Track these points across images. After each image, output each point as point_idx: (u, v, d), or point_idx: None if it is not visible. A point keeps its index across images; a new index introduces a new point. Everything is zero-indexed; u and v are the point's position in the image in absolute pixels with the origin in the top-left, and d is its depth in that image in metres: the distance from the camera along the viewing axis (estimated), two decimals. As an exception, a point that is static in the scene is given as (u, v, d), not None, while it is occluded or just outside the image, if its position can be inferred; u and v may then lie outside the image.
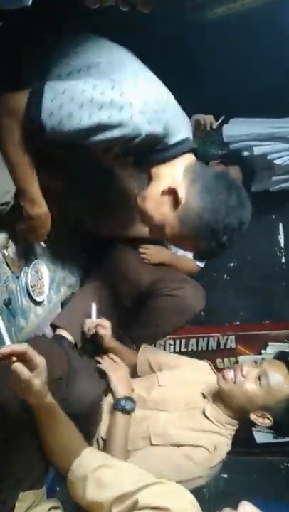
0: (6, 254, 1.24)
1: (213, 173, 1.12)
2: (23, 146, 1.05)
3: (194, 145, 1.15)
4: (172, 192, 1.09)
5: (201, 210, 1.06)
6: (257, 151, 2.15)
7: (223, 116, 1.70)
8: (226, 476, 2.29)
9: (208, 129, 1.61)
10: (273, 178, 2.22)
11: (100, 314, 1.57)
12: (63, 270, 1.63)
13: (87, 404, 0.95)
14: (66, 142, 1.04)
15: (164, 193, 1.11)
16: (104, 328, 1.52)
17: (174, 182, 1.09)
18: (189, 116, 1.71)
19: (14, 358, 0.81)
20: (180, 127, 1.11)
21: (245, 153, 2.19)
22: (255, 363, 1.31)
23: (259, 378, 1.25)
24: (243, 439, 2.22)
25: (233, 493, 2.25)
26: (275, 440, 2.27)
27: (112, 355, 1.49)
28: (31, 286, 1.37)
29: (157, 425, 1.30)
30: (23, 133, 1.04)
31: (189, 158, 1.13)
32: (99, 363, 1.46)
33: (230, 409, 1.30)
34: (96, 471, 0.89)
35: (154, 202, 1.13)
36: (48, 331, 1.51)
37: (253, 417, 1.27)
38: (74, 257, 1.75)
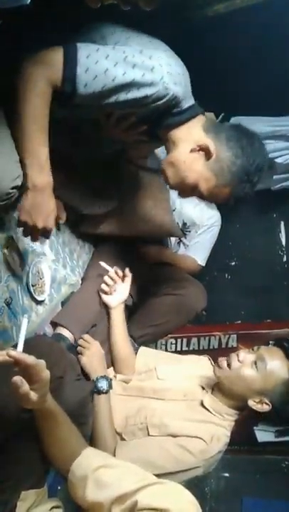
0: (7, 254, 1.24)
1: (229, 125, 1.22)
2: (44, 105, 1.03)
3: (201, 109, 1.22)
4: (203, 148, 1.16)
5: (233, 158, 1.15)
6: (258, 149, 2.15)
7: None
8: (227, 474, 2.29)
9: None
10: (274, 177, 2.21)
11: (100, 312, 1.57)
12: (64, 269, 1.63)
13: (68, 408, 0.94)
14: (92, 105, 1.08)
15: (192, 151, 1.17)
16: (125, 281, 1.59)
17: (200, 139, 1.17)
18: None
19: (16, 369, 0.80)
20: (190, 93, 1.19)
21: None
22: (252, 349, 1.31)
23: (255, 363, 1.25)
24: (244, 438, 2.23)
25: (235, 492, 2.25)
26: (277, 439, 2.28)
27: (85, 336, 1.49)
28: (32, 286, 1.37)
29: (154, 415, 1.31)
30: (48, 91, 1.03)
31: (202, 119, 1.21)
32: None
33: (228, 397, 1.30)
34: (96, 471, 0.89)
35: (185, 162, 1.18)
36: (49, 330, 1.50)
37: (251, 403, 1.26)
38: (75, 255, 1.75)
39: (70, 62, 1.01)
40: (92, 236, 1.85)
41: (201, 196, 1.23)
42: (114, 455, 1.24)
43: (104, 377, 1.39)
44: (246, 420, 1.37)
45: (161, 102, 1.09)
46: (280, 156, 2.14)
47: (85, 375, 1.42)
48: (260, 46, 1.84)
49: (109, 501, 0.83)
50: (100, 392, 1.34)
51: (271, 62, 1.91)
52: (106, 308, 1.60)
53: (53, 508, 0.93)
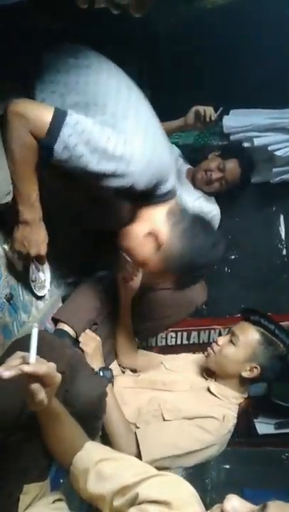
0: (7, 249, 1.24)
1: (192, 216, 1.24)
2: (31, 154, 1.07)
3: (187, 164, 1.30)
4: (154, 235, 1.19)
5: (182, 251, 1.18)
6: (257, 142, 2.15)
7: (221, 108, 1.69)
8: (228, 466, 2.31)
9: (207, 120, 1.60)
10: (274, 170, 2.21)
11: (101, 309, 1.58)
12: (65, 264, 1.63)
13: (87, 402, 0.95)
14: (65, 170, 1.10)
15: (146, 235, 1.21)
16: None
17: (156, 225, 1.20)
18: (189, 107, 1.71)
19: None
20: (171, 176, 1.23)
21: (246, 145, 2.19)
22: (228, 332, 1.50)
23: (231, 341, 1.43)
24: (245, 430, 2.25)
25: (235, 484, 2.27)
26: (277, 431, 2.30)
27: (87, 331, 1.53)
28: (33, 281, 1.37)
29: (167, 402, 1.40)
30: (31, 140, 1.05)
31: (172, 202, 1.25)
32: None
33: (227, 379, 1.44)
34: (97, 464, 0.89)
35: (137, 242, 1.23)
36: (50, 326, 1.51)
37: (245, 374, 1.41)
38: (75, 251, 1.74)
39: (51, 137, 1.04)
40: (93, 231, 1.84)
41: (149, 274, 1.31)
42: (134, 440, 1.32)
43: (105, 368, 1.46)
44: (247, 412, 1.43)
45: (133, 189, 1.13)
46: (280, 148, 2.14)
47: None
48: (260, 39, 1.83)
49: (110, 493, 0.84)
50: (108, 381, 1.39)
51: (271, 54, 1.90)
52: (108, 305, 1.60)
53: (55, 501, 0.93)
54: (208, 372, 1.50)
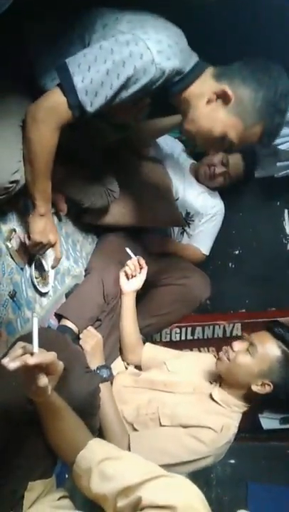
0: (10, 246, 1.24)
1: (239, 64, 1.15)
2: (51, 148, 1.11)
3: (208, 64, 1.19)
4: (219, 94, 1.13)
5: (253, 94, 1.11)
6: (261, 136, 2.12)
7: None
8: (233, 461, 2.31)
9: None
10: (278, 164, 2.18)
11: (104, 305, 1.58)
12: (68, 261, 1.63)
13: (78, 400, 0.95)
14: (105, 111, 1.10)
15: (209, 101, 1.14)
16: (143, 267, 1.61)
17: (211, 89, 1.14)
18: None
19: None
20: (190, 53, 1.16)
21: (249, 139, 2.16)
22: (245, 338, 1.38)
23: (248, 350, 1.32)
24: (250, 425, 2.24)
25: (240, 478, 2.28)
26: (282, 426, 2.29)
27: (89, 328, 1.52)
28: (36, 278, 1.37)
29: (166, 406, 1.35)
30: (55, 139, 1.09)
31: (210, 71, 1.17)
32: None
33: (234, 387, 1.35)
34: (100, 463, 0.88)
35: (206, 115, 1.16)
36: (54, 322, 1.51)
37: (255, 388, 1.31)
38: (78, 246, 1.74)
39: (71, 93, 1.05)
40: (96, 227, 1.84)
41: (231, 146, 1.19)
42: (127, 442, 1.29)
43: (104, 366, 1.43)
44: (252, 407, 1.40)
45: (161, 80, 1.09)
46: (284, 142, 2.11)
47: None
48: (262, 31, 1.81)
49: (113, 494, 0.82)
50: (103, 380, 1.36)
51: (276, 47, 1.88)
52: (112, 300, 1.60)
53: (60, 498, 0.93)
54: (214, 376, 1.44)
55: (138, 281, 1.61)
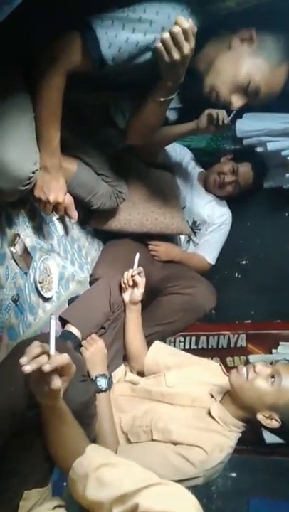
0: (14, 251, 1.24)
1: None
2: (58, 98, 1.10)
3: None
4: (244, 38, 1.13)
5: (275, 33, 1.11)
6: (270, 146, 2.11)
7: (234, 111, 1.67)
8: (234, 474, 2.27)
9: (220, 123, 1.58)
10: (287, 175, 2.17)
11: (109, 313, 1.57)
12: (73, 266, 1.63)
13: (72, 408, 0.94)
14: (122, 71, 1.11)
15: (231, 47, 1.14)
16: (141, 277, 1.58)
17: (233, 36, 1.13)
18: (201, 111, 1.69)
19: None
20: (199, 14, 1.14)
21: (259, 149, 2.16)
22: (271, 363, 1.30)
23: (272, 377, 1.23)
24: (252, 439, 2.21)
25: (241, 492, 2.24)
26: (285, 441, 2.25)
27: (92, 335, 1.50)
28: (40, 283, 1.36)
29: (160, 419, 1.29)
30: (62, 83, 1.09)
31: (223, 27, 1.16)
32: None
33: (238, 407, 1.28)
34: (97, 470, 0.87)
35: (231, 61, 1.15)
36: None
37: (260, 416, 1.24)
38: (83, 252, 1.74)
39: (93, 45, 1.04)
40: (101, 232, 1.84)
41: (257, 92, 1.17)
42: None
43: (104, 375, 1.39)
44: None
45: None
46: (294, 154, 2.10)
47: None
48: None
49: (109, 501, 0.81)
50: (98, 390, 1.34)
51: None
52: (117, 308, 1.59)
53: (55, 507, 0.92)
54: (216, 388, 1.36)
55: (136, 293, 1.58)
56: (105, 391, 1.36)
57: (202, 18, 1.12)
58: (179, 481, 1.14)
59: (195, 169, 2.20)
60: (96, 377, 1.38)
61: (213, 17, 1.14)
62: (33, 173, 1.10)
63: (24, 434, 0.92)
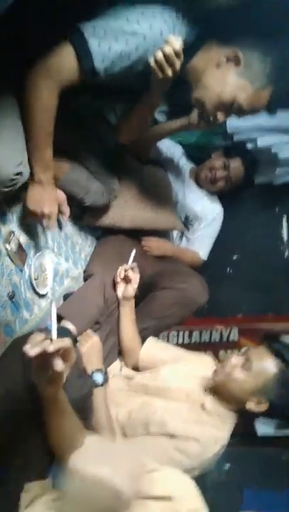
0: (9, 248, 1.24)
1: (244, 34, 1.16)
2: (50, 115, 1.12)
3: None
4: (230, 57, 1.15)
5: (262, 57, 1.14)
6: (261, 143, 2.14)
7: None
8: (227, 466, 2.31)
9: (211, 119, 1.60)
10: (277, 171, 2.20)
11: (104, 308, 1.58)
12: (67, 262, 1.63)
13: (73, 403, 0.95)
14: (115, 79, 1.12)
15: (219, 65, 1.17)
16: (135, 273, 1.60)
17: (221, 52, 1.16)
18: (192, 107, 1.70)
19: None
20: (192, 25, 1.16)
21: (249, 145, 2.18)
22: (243, 352, 1.33)
23: (245, 365, 1.27)
24: (244, 431, 2.24)
25: (236, 483, 2.27)
26: (276, 433, 2.29)
27: (87, 331, 1.50)
28: (35, 279, 1.37)
29: (156, 413, 1.31)
30: (54, 100, 1.10)
31: (214, 41, 1.18)
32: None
33: (227, 401, 1.31)
34: (96, 460, 0.90)
35: (217, 78, 1.18)
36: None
37: (249, 405, 1.26)
38: (77, 248, 1.75)
39: (85, 57, 1.06)
40: (95, 228, 1.85)
41: (240, 110, 1.21)
42: None
43: (100, 370, 1.41)
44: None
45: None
46: (283, 150, 2.13)
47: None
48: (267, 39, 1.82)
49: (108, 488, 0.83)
50: (95, 385, 1.35)
51: (275, 42, 1.88)
52: (111, 304, 1.60)
53: (56, 498, 0.93)
54: (209, 383, 1.38)
55: (130, 289, 1.60)
56: (101, 386, 1.37)
57: (191, 28, 1.15)
58: None
59: (186, 165, 2.22)
60: (92, 372, 1.39)
61: (203, 27, 1.17)
62: (17, 174, 1.09)
63: (23, 428, 0.93)
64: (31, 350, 0.76)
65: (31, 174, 1.19)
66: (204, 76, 1.19)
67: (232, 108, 1.21)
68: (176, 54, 1.08)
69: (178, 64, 1.11)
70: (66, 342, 0.82)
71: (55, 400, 0.90)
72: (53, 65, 1.07)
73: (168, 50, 1.06)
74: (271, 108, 1.23)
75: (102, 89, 1.29)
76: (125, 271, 1.60)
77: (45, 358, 0.79)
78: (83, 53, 1.05)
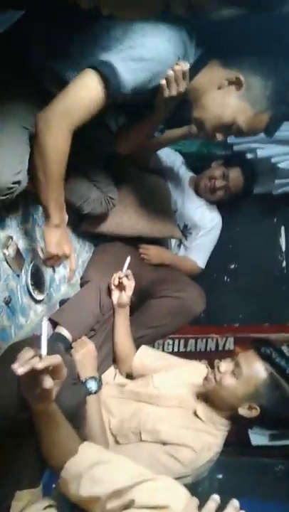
0: (7, 253, 1.24)
1: (246, 55, 1.18)
2: (66, 152, 1.11)
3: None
4: (232, 81, 1.16)
5: (263, 81, 1.15)
6: (260, 153, 2.15)
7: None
8: (220, 476, 2.29)
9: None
10: (276, 181, 2.21)
11: (100, 315, 1.58)
12: (64, 269, 1.64)
13: (67, 410, 0.95)
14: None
15: (220, 87, 1.18)
16: (130, 281, 1.59)
17: (223, 74, 1.17)
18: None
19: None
20: (194, 45, 1.18)
21: (249, 156, 2.19)
22: (232, 358, 1.32)
23: (234, 372, 1.26)
24: (239, 440, 2.24)
25: (228, 494, 2.25)
26: (271, 443, 2.28)
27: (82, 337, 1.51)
28: (31, 285, 1.37)
29: (148, 421, 1.31)
30: (70, 137, 1.09)
31: (217, 61, 1.20)
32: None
33: (219, 408, 1.30)
34: (91, 468, 0.89)
35: (217, 100, 1.19)
36: (48, 329, 1.51)
37: (241, 411, 1.25)
38: (75, 255, 1.75)
39: (112, 81, 1.05)
40: (93, 235, 1.85)
41: (239, 132, 1.22)
42: None
43: (93, 378, 1.40)
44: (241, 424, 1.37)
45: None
46: (283, 161, 2.14)
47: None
48: (266, 48, 1.83)
49: (104, 496, 0.84)
50: (88, 393, 1.35)
51: (276, 65, 1.90)
52: (107, 311, 1.60)
53: (46, 507, 0.93)
54: (202, 390, 1.37)
55: (124, 297, 1.59)
56: (95, 393, 1.37)
57: (196, 48, 1.17)
58: None
59: (186, 174, 2.23)
60: (86, 379, 1.39)
61: (206, 47, 1.19)
62: (15, 183, 1.09)
63: (16, 436, 0.92)
64: (19, 368, 0.75)
65: (46, 217, 1.19)
66: (205, 97, 1.20)
67: (231, 129, 1.22)
68: (184, 75, 1.11)
69: (184, 85, 1.14)
70: (56, 359, 0.81)
71: (46, 414, 0.89)
72: (61, 109, 1.06)
73: (178, 70, 1.10)
74: (270, 131, 1.25)
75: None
76: (119, 278, 1.59)
77: (34, 374, 0.78)
78: (112, 82, 1.05)
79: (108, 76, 1.04)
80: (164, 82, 1.12)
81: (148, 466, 1.14)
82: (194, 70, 1.17)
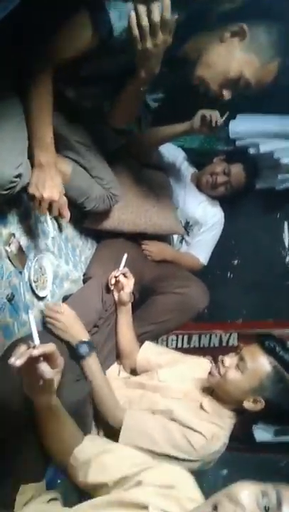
0: (9, 250, 1.24)
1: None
2: (49, 90, 1.10)
3: None
4: (235, 31, 1.10)
5: (267, 28, 1.08)
6: (263, 148, 2.14)
7: (227, 112, 1.70)
8: (225, 472, 2.30)
9: (213, 125, 1.60)
10: (279, 177, 2.20)
11: (102, 311, 1.58)
12: (67, 265, 1.64)
13: (67, 407, 0.96)
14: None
15: (223, 40, 1.11)
16: (128, 278, 1.57)
17: (224, 28, 1.10)
18: (195, 112, 1.71)
19: (41, 358, 0.82)
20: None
21: (252, 151, 2.18)
22: (236, 352, 1.33)
23: (238, 366, 1.27)
24: (244, 436, 2.24)
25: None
26: (275, 439, 2.28)
27: (50, 305, 1.44)
28: (34, 282, 1.37)
29: (159, 403, 1.34)
30: (51, 71, 1.07)
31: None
32: None
33: (224, 401, 1.32)
34: (99, 455, 0.92)
35: (221, 55, 1.13)
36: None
37: (246, 404, 1.27)
38: (77, 251, 1.75)
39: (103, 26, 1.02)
40: (95, 231, 1.85)
41: (247, 86, 1.16)
42: (121, 415, 1.28)
43: (84, 342, 1.35)
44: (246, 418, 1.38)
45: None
46: (286, 156, 2.13)
47: (67, 343, 1.37)
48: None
49: (110, 482, 0.87)
50: (83, 357, 1.33)
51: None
52: (110, 307, 1.60)
53: (50, 500, 0.94)
54: (206, 387, 1.40)
55: (123, 294, 1.58)
56: (89, 355, 1.34)
57: (190, 8, 1.10)
58: (177, 460, 1.22)
59: (188, 169, 2.22)
60: (76, 345, 1.34)
61: (204, 8, 1.12)
62: (16, 177, 1.08)
63: (20, 431, 0.93)
64: (17, 360, 0.77)
65: (31, 158, 1.15)
66: (207, 53, 1.14)
67: (238, 84, 1.16)
68: (163, 25, 1.01)
69: (161, 37, 1.03)
70: (50, 347, 0.83)
71: (49, 408, 0.90)
72: (66, 37, 1.03)
73: (154, 17, 0.99)
74: (280, 81, 1.17)
75: (97, 78, 1.27)
76: (116, 277, 1.58)
77: (32, 368, 0.80)
78: (100, 25, 1.01)
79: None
80: (133, 14, 1.01)
81: (159, 435, 1.23)
82: (192, 28, 1.11)
